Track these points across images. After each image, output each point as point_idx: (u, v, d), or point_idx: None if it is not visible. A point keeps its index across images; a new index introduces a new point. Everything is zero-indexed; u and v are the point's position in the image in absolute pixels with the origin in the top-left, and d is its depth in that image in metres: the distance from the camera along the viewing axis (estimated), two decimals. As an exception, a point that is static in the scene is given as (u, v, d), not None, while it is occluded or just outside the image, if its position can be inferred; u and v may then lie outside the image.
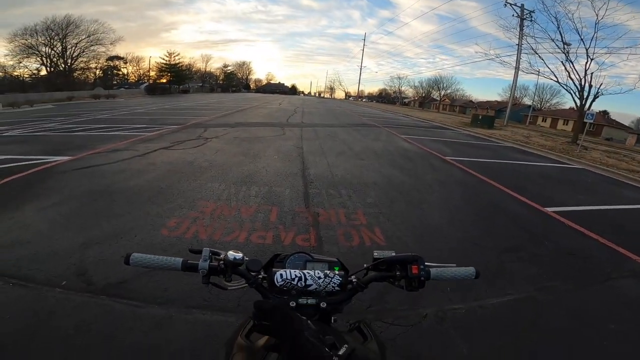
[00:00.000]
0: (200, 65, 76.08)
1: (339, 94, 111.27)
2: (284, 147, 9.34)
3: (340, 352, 0.65)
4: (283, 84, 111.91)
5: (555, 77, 18.52)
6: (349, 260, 1.05)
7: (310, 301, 0.89)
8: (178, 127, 12.38)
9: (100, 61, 50.86)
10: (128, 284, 2.67)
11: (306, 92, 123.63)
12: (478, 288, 2.93)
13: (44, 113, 17.78)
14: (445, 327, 2.45)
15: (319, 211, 4.53)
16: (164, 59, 55.56)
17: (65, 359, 1.93)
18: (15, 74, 41.07)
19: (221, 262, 0.89)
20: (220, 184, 5.46)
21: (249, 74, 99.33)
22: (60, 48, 44.07)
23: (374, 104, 68.80)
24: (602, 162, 11.86)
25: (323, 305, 0.88)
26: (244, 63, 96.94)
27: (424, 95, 74.41)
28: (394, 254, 0.97)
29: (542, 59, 20.10)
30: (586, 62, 16.53)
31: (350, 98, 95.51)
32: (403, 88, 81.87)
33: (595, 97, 17.01)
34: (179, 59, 56.96)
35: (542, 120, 48.63)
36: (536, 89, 57.05)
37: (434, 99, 72.50)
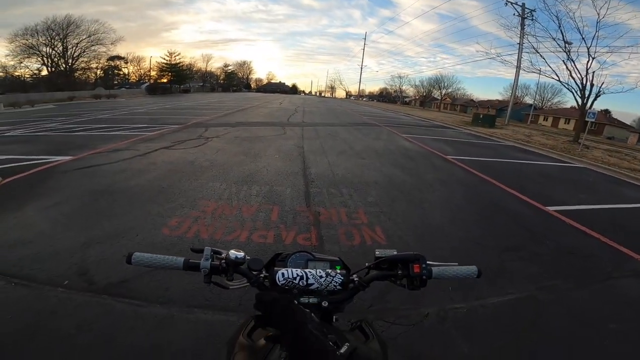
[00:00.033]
0: (200, 64, 76.25)
1: (340, 94, 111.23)
2: (284, 146, 9.34)
3: (342, 351, 0.65)
4: (284, 83, 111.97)
5: (557, 76, 18.52)
6: (350, 259, 1.05)
7: (312, 300, 0.89)
8: (179, 126, 12.39)
9: (101, 61, 51.03)
10: (129, 284, 2.67)
11: (307, 92, 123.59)
12: (479, 287, 2.92)
13: (45, 113, 17.81)
14: (447, 327, 2.45)
15: (320, 210, 4.53)
16: (164, 59, 55.64)
17: (67, 359, 1.94)
18: (16, 74, 41.21)
19: (223, 261, 0.89)
20: (222, 183, 5.47)
21: (249, 73, 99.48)
22: (61, 48, 44.18)
23: (375, 103, 68.72)
24: (603, 161, 11.84)
25: (325, 304, 0.88)
26: (244, 62, 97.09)
27: (425, 94, 74.30)
28: (395, 252, 0.97)
29: (544, 58, 20.06)
30: (588, 61, 16.51)
31: (352, 97, 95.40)
32: (404, 87, 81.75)
33: (597, 96, 16.98)
34: (179, 58, 57.04)
35: (544, 119, 48.53)
36: (537, 87, 56.94)
37: (435, 98, 72.40)
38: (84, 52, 46.56)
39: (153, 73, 59.05)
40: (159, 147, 8.16)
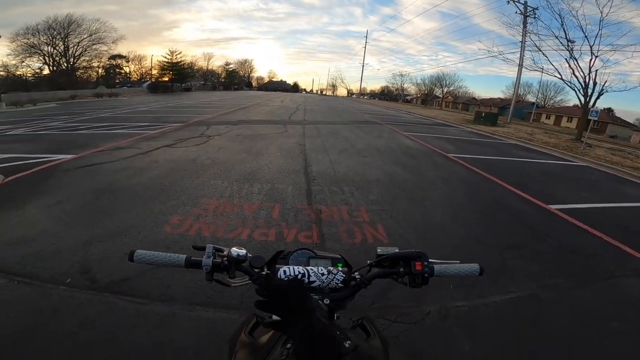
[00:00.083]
0: (202, 63, 76.29)
1: (341, 92, 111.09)
2: (286, 144, 9.34)
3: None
4: (285, 81, 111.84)
5: (559, 74, 18.40)
6: (351, 257, 1.05)
7: (314, 297, 0.89)
8: (180, 125, 12.40)
9: (102, 60, 51.08)
10: (131, 281, 2.68)
11: (308, 90, 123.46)
12: (481, 285, 2.92)
13: (47, 112, 17.85)
14: (448, 325, 2.45)
15: (322, 208, 4.53)
16: (166, 58, 55.54)
17: (70, 357, 1.95)
18: (18, 73, 41.21)
19: (224, 258, 0.89)
20: (223, 181, 5.47)
21: (250, 71, 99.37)
22: (62, 47, 44.22)
23: (376, 101, 68.53)
24: (606, 159, 11.79)
25: (326, 301, 0.88)
26: (245, 61, 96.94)
27: (426, 92, 74.07)
28: (397, 250, 0.97)
29: (546, 56, 19.83)
30: (590, 60, 16.40)
31: (354, 96, 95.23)
32: (405, 85, 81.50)
33: (600, 94, 16.86)
34: (181, 57, 56.93)
35: (546, 118, 48.31)
36: (540, 86, 56.62)
37: (436, 96, 72.24)
38: (85, 51, 46.66)
39: (154, 72, 59.14)
40: (160, 145, 8.17)
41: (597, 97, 16.96)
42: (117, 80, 55.64)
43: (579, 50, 17.09)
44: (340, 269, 0.93)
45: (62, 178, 5.35)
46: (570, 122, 41.31)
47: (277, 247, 3.23)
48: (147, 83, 51.89)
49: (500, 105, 50.07)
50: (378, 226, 4.08)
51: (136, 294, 2.54)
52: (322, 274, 0.89)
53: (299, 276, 0.88)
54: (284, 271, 0.88)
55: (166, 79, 56.19)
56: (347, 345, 0.65)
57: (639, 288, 3.21)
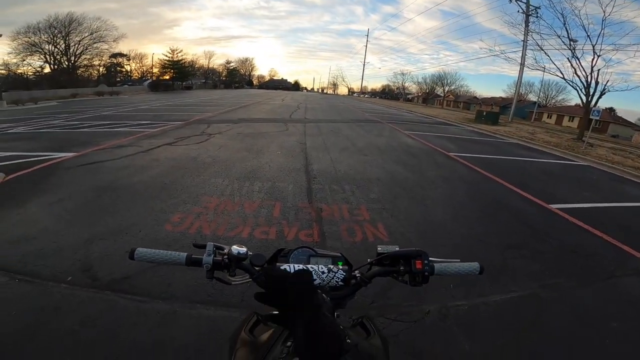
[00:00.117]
0: (203, 61, 76.21)
1: (342, 90, 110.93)
2: (287, 142, 9.34)
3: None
4: (286, 80, 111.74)
5: (561, 73, 18.34)
6: (352, 255, 1.05)
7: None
8: (181, 123, 12.40)
9: (103, 58, 51.10)
10: (132, 280, 2.69)
11: (309, 88, 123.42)
12: (481, 284, 2.92)
13: (48, 110, 17.87)
14: (448, 324, 2.45)
15: (322, 207, 4.53)
16: (166, 56, 55.67)
17: (71, 354, 1.95)
18: (19, 71, 41.25)
19: (225, 256, 0.89)
20: (224, 179, 5.48)
21: (251, 70, 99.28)
22: (63, 46, 44.25)
23: (377, 100, 68.45)
24: (607, 159, 11.76)
25: (327, 300, 0.88)
26: (246, 59, 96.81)
27: (427, 91, 73.98)
28: (397, 248, 0.96)
29: (548, 56, 19.86)
30: (593, 59, 16.33)
31: (355, 94, 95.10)
32: (407, 84, 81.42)
33: (602, 94, 16.81)
34: (181, 55, 57.04)
35: (548, 117, 48.20)
36: (541, 85, 56.52)
37: (437, 95, 72.12)
38: (86, 49, 46.69)
39: (155, 70, 59.20)
40: (161, 144, 8.18)
41: (599, 97, 16.92)
42: (118, 79, 55.65)
43: (581, 49, 17.08)
44: (340, 267, 0.93)
45: (63, 176, 5.36)
46: (572, 121, 41.22)
47: (278, 245, 3.24)
48: (148, 81, 51.87)
49: (502, 105, 49.95)
50: (379, 225, 4.08)
51: (137, 292, 2.54)
52: (323, 272, 0.89)
53: None
54: (285, 269, 0.88)
55: (167, 77, 56.27)
56: (349, 341, 0.64)
57: (639, 287, 3.21)
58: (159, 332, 2.17)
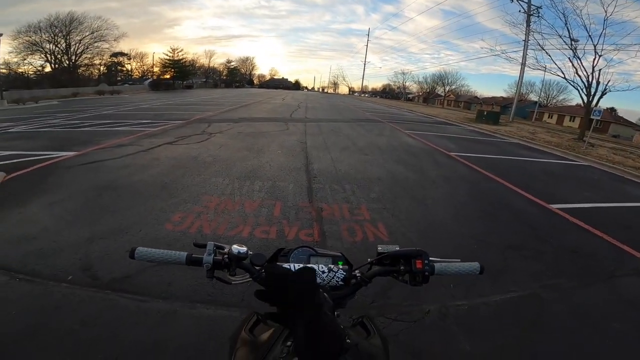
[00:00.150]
0: (203, 61, 76.20)
1: (343, 90, 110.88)
2: (287, 142, 9.34)
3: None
4: (286, 79, 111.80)
5: (562, 73, 18.30)
6: (352, 255, 1.05)
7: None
8: (182, 122, 12.40)
9: (104, 57, 51.10)
10: (132, 279, 2.69)
11: (309, 88, 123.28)
12: (481, 284, 2.92)
13: (48, 109, 17.88)
14: (448, 324, 2.45)
15: (323, 206, 4.53)
16: (167, 55, 55.83)
17: (71, 354, 1.95)
18: (20, 70, 41.30)
19: (225, 256, 0.89)
20: (224, 178, 5.48)
21: (252, 69, 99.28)
22: (64, 45, 44.26)
23: (378, 100, 68.39)
24: (608, 159, 11.74)
25: (327, 300, 0.88)
26: (247, 58, 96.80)
27: (428, 90, 73.90)
28: (398, 248, 0.96)
29: (549, 55, 19.84)
30: (594, 59, 16.30)
31: (356, 94, 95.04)
32: (407, 83, 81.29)
33: (603, 93, 16.81)
34: (182, 54, 57.16)
35: (548, 117, 48.17)
36: (542, 85, 56.54)
37: (438, 94, 72.04)
38: (87, 48, 46.70)
39: (156, 69, 59.33)
40: (162, 143, 8.18)
41: (600, 97, 16.92)
42: (119, 78, 55.68)
43: (583, 49, 17.04)
44: (340, 267, 0.93)
45: (63, 175, 5.36)
46: (573, 121, 41.19)
47: (278, 244, 3.24)
48: (149, 80, 51.88)
49: (503, 104, 49.90)
50: (379, 224, 4.08)
51: (137, 292, 2.55)
52: (323, 272, 0.89)
53: None
54: (287, 267, 0.88)
55: (168, 76, 56.34)
56: (349, 341, 0.64)
57: (639, 288, 3.21)
58: (159, 331, 2.17)
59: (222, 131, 10.63)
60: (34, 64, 43.12)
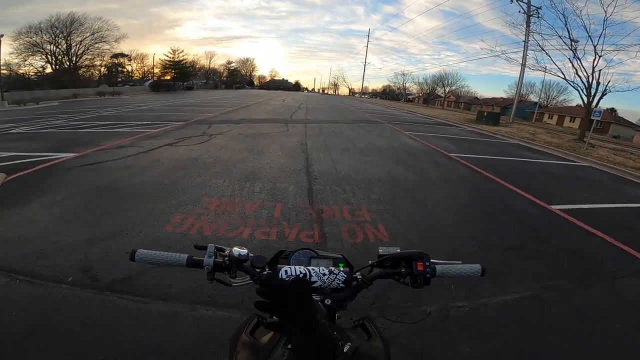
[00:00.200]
0: (204, 62, 76.37)
1: (343, 91, 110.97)
2: (288, 143, 9.34)
3: (345, 350, 0.64)
4: (287, 80, 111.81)
5: (563, 74, 18.29)
6: (353, 257, 1.05)
7: (315, 298, 0.88)
8: (182, 123, 12.41)
9: (104, 58, 51.23)
10: (133, 280, 2.69)
11: (310, 89, 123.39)
12: (482, 286, 2.91)
13: (49, 110, 17.91)
14: (449, 325, 2.44)
15: (323, 207, 4.53)
16: (167, 56, 55.93)
17: (71, 355, 1.95)
18: (21, 71, 41.37)
19: (226, 258, 0.89)
20: (225, 180, 5.48)
21: (252, 70, 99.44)
22: (64, 46, 44.41)
23: (378, 101, 68.44)
24: (609, 159, 11.74)
25: (327, 302, 0.88)
26: (247, 59, 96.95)
27: (428, 91, 73.84)
28: (399, 250, 0.96)
29: (549, 56, 19.84)
30: (594, 59, 16.30)
31: (356, 95, 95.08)
32: (407, 84, 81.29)
33: (603, 94, 16.79)
34: (182, 55, 57.26)
35: (549, 118, 48.16)
36: (542, 85, 56.54)
37: (438, 95, 72.00)
38: (87, 49, 46.84)
39: (156, 70, 59.44)
40: (162, 144, 8.18)
41: (600, 97, 16.90)
42: (119, 79, 55.77)
43: (583, 49, 17.04)
44: (341, 269, 0.93)
45: (64, 176, 5.37)
46: (573, 122, 41.17)
47: (279, 246, 3.24)
48: (149, 82, 51.98)
49: (503, 105, 49.91)
50: (379, 226, 4.07)
51: (137, 293, 2.54)
52: (324, 274, 0.89)
53: (300, 276, 0.87)
54: (285, 271, 0.88)
55: (168, 77, 56.46)
56: (346, 347, 0.64)
57: (641, 289, 3.20)
58: (159, 333, 2.16)
59: (222, 132, 10.63)
60: (35, 65, 43.32)
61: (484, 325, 2.49)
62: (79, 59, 46.54)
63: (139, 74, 62.00)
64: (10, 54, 40.48)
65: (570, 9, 19.31)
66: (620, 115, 45.14)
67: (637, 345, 2.40)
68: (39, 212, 3.93)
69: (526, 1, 24.29)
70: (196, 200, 4.49)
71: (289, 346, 0.75)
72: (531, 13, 23.90)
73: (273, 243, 3.47)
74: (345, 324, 0.96)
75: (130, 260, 0.90)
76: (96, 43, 47.27)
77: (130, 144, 8.07)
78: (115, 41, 49.47)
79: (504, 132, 18.02)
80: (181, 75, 56.74)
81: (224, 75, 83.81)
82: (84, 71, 47.57)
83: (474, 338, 2.33)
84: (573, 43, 17.13)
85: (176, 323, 2.27)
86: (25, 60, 41.92)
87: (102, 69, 52.38)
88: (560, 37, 17.86)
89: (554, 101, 58.63)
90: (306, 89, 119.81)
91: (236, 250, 0.89)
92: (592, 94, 16.87)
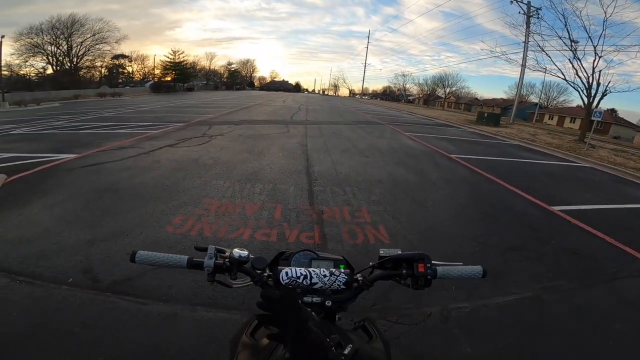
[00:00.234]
0: (204, 63, 76.48)
1: (343, 92, 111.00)
2: (288, 144, 9.34)
3: (346, 352, 0.64)
4: (287, 81, 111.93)
5: (563, 74, 18.31)
6: (353, 258, 1.05)
7: (316, 299, 0.88)
8: (183, 124, 12.42)
9: (105, 60, 51.35)
10: (133, 281, 2.69)
11: (310, 90, 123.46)
12: (483, 287, 2.91)
13: (50, 111, 17.93)
14: (450, 326, 2.44)
15: (324, 209, 4.53)
16: (168, 57, 55.90)
17: (71, 356, 1.95)
18: (22, 72, 41.49)
19: (226, 260, 0.89)
20: (225, 181, 5.48)
21: (253, 71, 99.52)
22: (65, 47, 44.53)
23: (378, 102, 68.48)
24: (609, 160, 11.73)
25: (328, 303, 0.88)
26: (248, 61, 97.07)
27: (428, 92, 73.82)
28: (400, 252, 0.96)
29: (549, 57, 19.75)
30: (594, 60, 16.31)
31: (357, 96, 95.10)
32: (408, 85, 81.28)
33: (603, 95, 16.80)
34: (183, 57, 57.28)
35: (549, 118, 48.13)
36: (543, 86, 56.55)
37: (438, 96, 71.95)
38: (88, 50, 46.98)
39: (157, 71, 59.49)
40: (163, 145, 8.19)
41: (601, 98, 16.91)
42: (120, 80, 55.85)
43: (583, 50, 17.04)
44: (342, 270, 0.93)
45: (64, 177, 5.37)
46: (574, 122, 41.13)
47: (279, 247, 3.24)
48: (150, 83, 52.08)
49: (503, 106, 49.89)
50: (380, 227, 4.07)
51: (138, 294, 2.54)
52: (324, 276, 0.88)
53: (301, 278, 0.87)
54: (286, 273, 0.88)
55: (169, 78, 56.51)
56: (347, 349, 0.65)
57: (642, 290, 3.19)
58: (159, 334, 2.16)
59: (222, 134, 10.64)
60: (36, 66, 43.48)
61: (485, 326, 2.49)
62: (80, 60, 46.71)
63: (140, 75, 62.14)
64: (11, 54, 40.69)
65: (570, 10, 19.22)
66: (621, 116, 45.11)
67: (637, 346, 2.40)
68: (40, 213, 3.93)
69: (526, 2, 24.31)
70: (197, 202, 4.49)
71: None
72: (531, 14, 23.92)
73: (273, 244, 3.47)
74: (346, 325, 0.96)
75: (131, 262, 0.90)
76: (97, 44, 47.49)
77: (131, 145, 8.07)
78: (116, 42, 49.70)
79: (504, 133, 18.01)
80: (182, 76, 56.78)
81: (225, 76, 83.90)
82: (84, 72, 47.69)
83: (474, 339, 2.32)
84: (573, 44, 17.15)
85: (176, 324, 2.27)
86: (26, 61, 42.13)
87: (103, 70, 52.55)
88: (560, 38, 17.89)
89: (554, 102, 58.65)
90: (306, 90, 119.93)
91: (236, 251, 0.89)
92: (593, 94, 16.88)
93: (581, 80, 17.17)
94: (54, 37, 43.02)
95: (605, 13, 15.80)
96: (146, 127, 11.38)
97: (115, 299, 2.47)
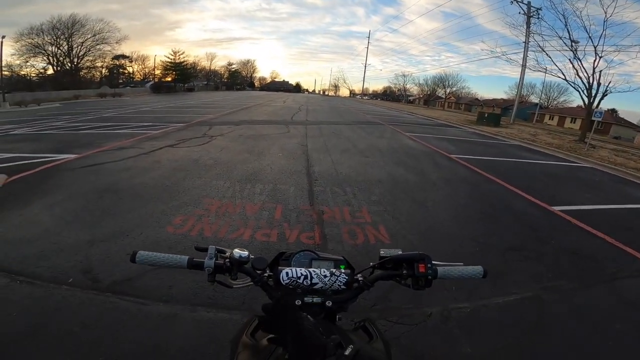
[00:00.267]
0: (204, 63, 76.52)
1: (344, 92, 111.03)
2: (288, 144, 9.35)
3: (346, 353, 0.64)
4: (287, 81, 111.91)
5: (563, 75, 18.27)
6: (353, 258, 1.05)
7: (316, 300, 0.88)
8: (183, 125, 12.43)
9: (106, 60, 51.42)
10: (133, 282, 2.69)
11: (310, 90, 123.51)
12: (483, 287, 2.91)
13: (50, 111, 17.94)
14: (450, 327, 2.44)
15: (324, 209, 4.53)
16: (169, 58, 55.89)
17: (71, 356, 1.95)
18: (22, 73, 41.55)
19: (227, 260, 0.89)
20: (225, 181, 5.48)
21: (253, 72, 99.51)
22: (66, 47, 44.57)
23: (378, 102, 68.52)
24: (610, 160, 11.72)
25: (329, 303, 0.88)
26: (248, 61, 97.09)
27: (429, 93, 73.88)
28: (400, 252, 0.96)
29: (550, 57, 19.71)
30: (594, 60, 16.29)
31: (357, 96, 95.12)
32: (408, 86, 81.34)
33: (604, 95, 16.78)
34: (183, 57, 57.25)
35: (549, 118, 48.13)
36: (543, 86, 56.58)
37: (439, 96, 72.02)
38: (89, 51, 47.04)
39: (157, 72, 59.50)
40: (163, 146, 8.19)
41: (601, 98, 16.89)
42: (121, 81, 55.91)
43: (583, 50, 17.01)
44: (342, 270, 0.93)
45: (65, 178, 5.37)
46: (574, 123, 41.12)
47: (279, 247, 3.24)
48: (150, 83, 52.11)
49: (503, 106, 49.91)
50: (380, 227, 4.07)
51: (138, 294, 2.54)
52: (325, 276, 0.88)
53: (301, 278, 0.87)
54: (286, 273, 0.88)
55: (169, 79, 56.52)
56: (348, 349, 0.65)
57: (642, 290, 3.19)
58: (159, 334, 2.16)
59: (223, 134, 10.64)
60: (36, 66, 43.54)
61: (485, 326, 2.49)
62: (81, 61, 46.76)
63: (140, 75, 62.17)
64: (12, 55, 40.70)
65: (571, 10, 19.19)
66: (621, 116, 45.09)
67: (637, 346, 2.39)
68: (40, 213, 3.93)
69: (526, 2, 24.31)
70: (197, 202, 4.49)
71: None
72: (531, 14, 23.91)
73: (274, 244, 3.46)
74: (346, 325, 0.96)
75: (131, 262, 0.90)
76: (97, 44, 47.54)
77: (131, 146, 8.08)
78: (116, 42, 49.75)
79: (504, 133, 18.01)
80: (182, 76, 56.77)
81: (225, 76, 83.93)
82: (85, 72, 47.74)
83: (474, 339, 2.32)
84: (573, 44, 17.13)
85: (176, 325, 2.26)
86: (27, 61, 42.18)
87: (104, 71, 52.62)
88: (560, 38, 17.87)
89: (555, 102, 58.68)
90: (307, 90, 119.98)
91: (237, 252, 0.89)
92: (593, 94, 16.87)
93: (581, 81, 17.18)
94: (54, 37, 43.12)
95: (605, 13, 15.80)
96: (146, 127, 11.39)
97: (115, 299, 2.47)
